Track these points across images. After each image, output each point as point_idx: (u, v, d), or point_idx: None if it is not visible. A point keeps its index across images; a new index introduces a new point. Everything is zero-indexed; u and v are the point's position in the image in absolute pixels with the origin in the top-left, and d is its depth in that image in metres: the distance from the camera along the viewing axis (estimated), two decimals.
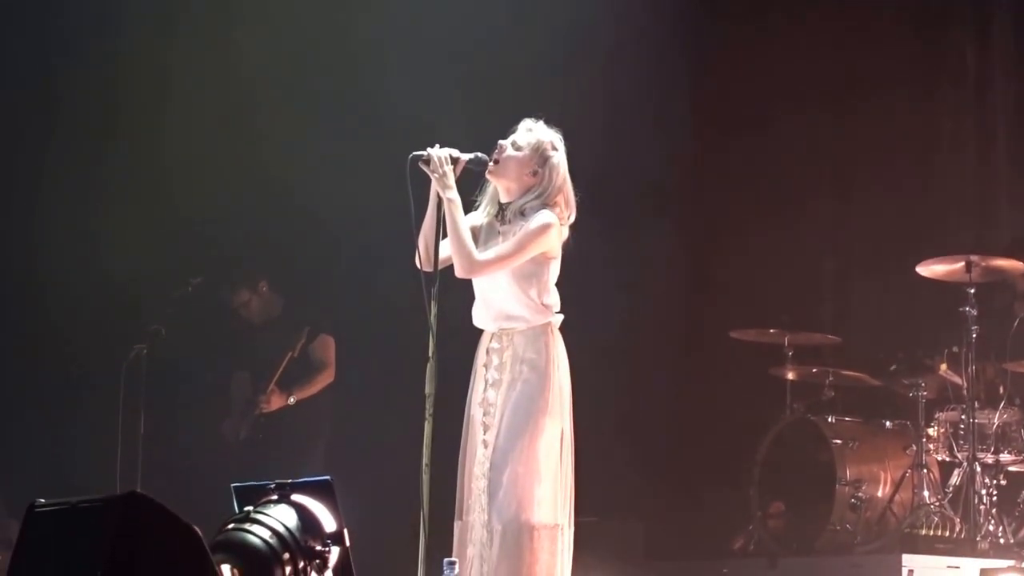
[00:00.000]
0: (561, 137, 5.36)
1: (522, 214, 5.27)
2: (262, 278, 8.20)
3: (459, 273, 5.26)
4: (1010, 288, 7.58)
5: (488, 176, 5.35)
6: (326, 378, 8.12)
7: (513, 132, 5.36)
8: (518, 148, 5.31)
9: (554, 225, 5.25)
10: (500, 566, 5.09)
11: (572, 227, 5.35)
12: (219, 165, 8.17)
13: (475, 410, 5.31)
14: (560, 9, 8.24)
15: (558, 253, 5.31)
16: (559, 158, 5.32)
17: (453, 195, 5.23)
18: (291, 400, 8.00)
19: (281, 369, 7.98)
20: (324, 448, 8.12)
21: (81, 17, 8.22)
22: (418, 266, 5.27)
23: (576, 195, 5.35)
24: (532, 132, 5.34)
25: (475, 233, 5.32)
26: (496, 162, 5.30)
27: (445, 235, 5.26)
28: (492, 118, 5.57)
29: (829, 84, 8.73)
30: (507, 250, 5.22)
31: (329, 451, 8.10)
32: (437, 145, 5.24)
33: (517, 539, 5.09)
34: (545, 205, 5.27)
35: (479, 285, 5.34)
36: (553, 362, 5.24)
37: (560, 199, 5.30)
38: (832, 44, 8.82)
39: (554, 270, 5.32)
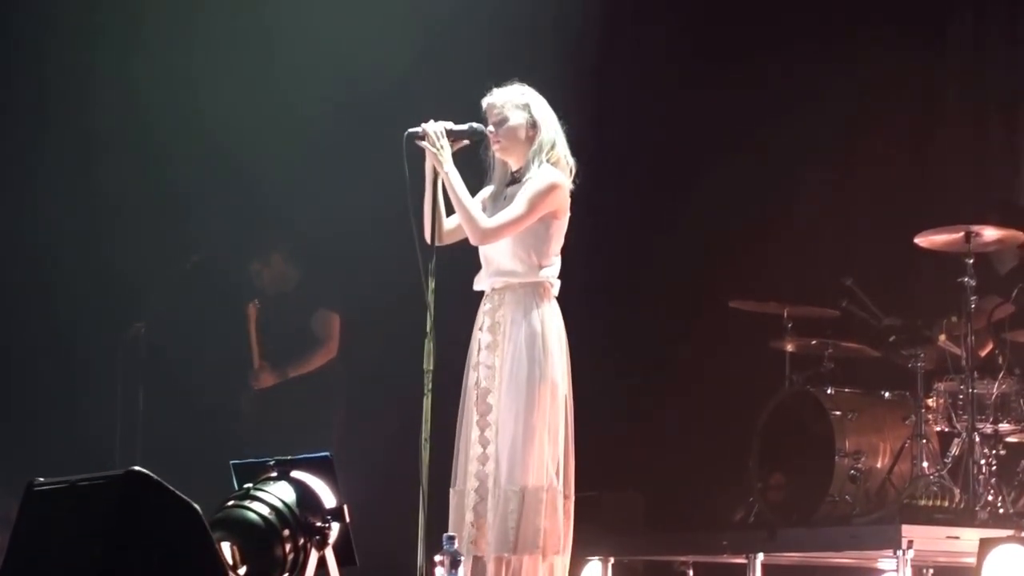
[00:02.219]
0: (516, 80, 5.37)
1: (538, 167, 5.27)
2: (275, 251, 8.13)
3: (473, 241, 5.28)
4: (992, 267, 7.58)
5: (500, 154, 5.36)
6: (326, 354, 8.03)
7: (486, 119, 5.34)
8: (504, 119, 5.31)
9: (562, 184, 5.28)
10: (496, 528, 5.11)
11: (572, 200, 5.35)
12: (222, 141, 8.16)
13: (471, 375, 5.31)
14: None
15: (565, 214, 5.32)
16: (531, 94, 5.35)
17: (451, 168, 5.24)
18: (288, 376, 7.94)
19: (255, 346, 7.86)
20: (339, 423, 8.06)
21: None
22: (427, 242, 5.25)
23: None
24: (497, 101, 5.34)
25: (485, 207, 5.34)
26: (498, 142, 5.31)
27: (449, 210, 5.27)
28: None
29: (829, 52, 8.69)
30: (518, 212, 5.22)
31: (330, 427, 8.09)
32: (431, 120, 5.24)
33: (515, 501, 5.10)
34: (547, 160, 5.27)
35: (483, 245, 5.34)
36: (548, 324, 5.24)
37: (560, 147, 5.30)
38: (832, 10, 8.80)
39: (558, 231, 5.32)
